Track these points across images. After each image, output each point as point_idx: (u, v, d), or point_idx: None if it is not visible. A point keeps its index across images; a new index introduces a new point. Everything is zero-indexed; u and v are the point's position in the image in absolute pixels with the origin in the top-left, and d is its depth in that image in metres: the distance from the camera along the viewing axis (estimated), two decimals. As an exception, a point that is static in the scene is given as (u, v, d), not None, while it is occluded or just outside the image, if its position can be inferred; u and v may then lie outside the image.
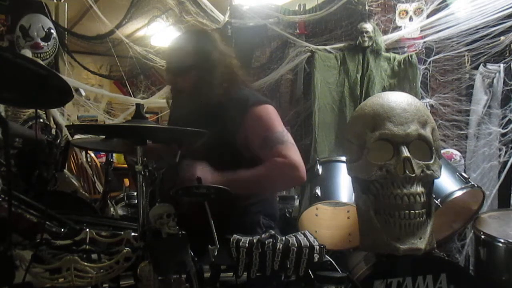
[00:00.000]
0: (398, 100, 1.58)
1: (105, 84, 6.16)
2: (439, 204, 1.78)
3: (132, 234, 1.19)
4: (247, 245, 1.18)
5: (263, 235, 1.22)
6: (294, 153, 1.59)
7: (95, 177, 3.65)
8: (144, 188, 1.14)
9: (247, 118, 1.61)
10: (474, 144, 2.92)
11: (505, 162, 2.71)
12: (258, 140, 1.60)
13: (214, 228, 1.26)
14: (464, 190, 1.87)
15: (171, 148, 1.74)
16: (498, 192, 2.72)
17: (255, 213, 1.68)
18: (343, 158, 2.00)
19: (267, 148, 1.58)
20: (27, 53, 3.40)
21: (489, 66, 2.88)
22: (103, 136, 1.70)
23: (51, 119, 3.37)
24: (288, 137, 1.62)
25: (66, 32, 3.90)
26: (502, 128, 2.77)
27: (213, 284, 1.18)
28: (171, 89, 1.81)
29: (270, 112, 1.66)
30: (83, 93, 3.96)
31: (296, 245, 1.19)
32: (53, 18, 3.75)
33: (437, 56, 3.09)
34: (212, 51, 1.69)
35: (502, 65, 2.82)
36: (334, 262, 1.24)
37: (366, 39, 3.24)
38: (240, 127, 1.61)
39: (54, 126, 3.25)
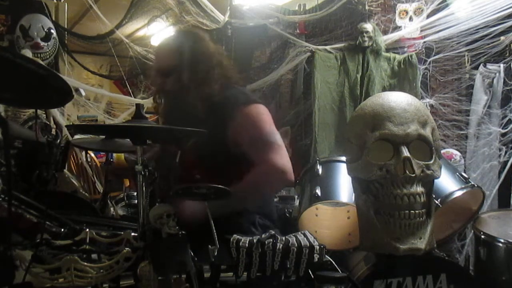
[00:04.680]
0: (398, 100, 1.58)
1: (105, 84, 6.16)
2: (439, 204, 1.78)
3: (132, 234, 1.19)
4: (247, 245, 1.18)
5: (263, 235, 1.22)
6: (279, 156, 1.57)
7: (95, 177, 3.65)
8: (144, 188, 1.14)
9: (236, 118, 1.60)
10: (474, 144, 2.92)
11: (505, 162, 2.71)
12: (245, 141, 1.59)
13: (214, 228, 1.26)
14: (464, 190, 1.87)
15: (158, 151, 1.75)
16: (498, 192, 2.72)
17: (250, 213, 1.68)
18: (343, 158, 2.00)
19: (254, 150, 1.58)
20: (27, 53, 3.39)
21: (489, 66, 2.88)
22: (103, 136, 1.70)
23: (51, 119, 3.37)
24: (275, 138, 1.60)
25: (66, 32, 3.90)
26: (502, 128, 2.77)
27: (213, 284, 1.18)
28: (157, 91, 1.80)
29: (259, 112, 1.64)
30: (83, 93, 3.95)
31: (296, 245, 1.19)
32: (53, 18, 3.75)
33: (437, 56, 3.10)
34: (195, 52, 1.67)
35: (502, 65, 2.82)
36: (334, 262, 1.24)
37: (366, 39, 3.24)
38: (230, 127, 1.60)
39: (54, 126, 3.25)
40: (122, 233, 1.20)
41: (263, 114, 1.65)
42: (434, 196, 1.62)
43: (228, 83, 1.72)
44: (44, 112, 3.22)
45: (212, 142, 1.48)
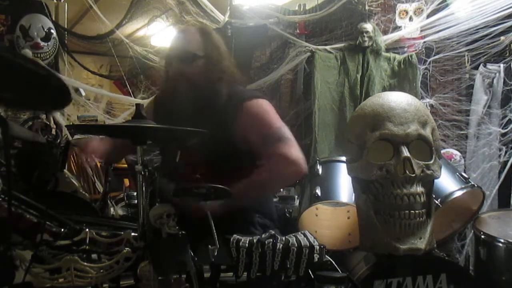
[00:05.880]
0: (398, 100, 1.58)
1: (105, 84, 6.15)
2: (439, 204, 1.78)
3: (132, 234, 1.19)
4: (247, 245, 1.18)
5: (263, 235, 1.22)
6: (292, 149, 1.58)
7: (95, 177, 3.65)
8: (144, 188, 1.14)
9: (244, 113, 1.60)
10: (474, 144, 2.92)
11: (505, 162, 2.71)
12: (256, 137, 1.59)
13: (214, 228, 1.26)
14: (464, 190, 1.87)
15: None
16: (498, 192, 2.72)
17: (250, 212, 1.68)
18: (343, 158, 2.01)
19: (266, 145, 1.58)
20: (27, 53, 3.39)
21: (489, 66, 2.88)
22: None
23: (51, 119, 3.37)
24: (285, 132, 1.61)
25: (66, 32, 3.90)
26: (502, 128, 2.77)
27: (213, 284, 1.18)
28: (167, 82, 1.76)
29: (266, 107, 1.65)
30: (83, 93, 3.95)
31: (296, 245, 1.19)
32: (53, 18, 3.75)
33: (437, 56, 3.10)
34: (218, 45, 1.70)
35: (502, 65, 2.83)
36: (334, 262, 1.24)
37: (366, 39, 3.24)
38: (237, 123, 1.60)
39: (54, 126, 3.25)
40: (122, 233, 1.20)
41: (270, 109, 1.66)
42: (434, 196, 1.62)
43: (232, 82, 1.73)
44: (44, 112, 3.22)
45: (220, 138, 1.48)
